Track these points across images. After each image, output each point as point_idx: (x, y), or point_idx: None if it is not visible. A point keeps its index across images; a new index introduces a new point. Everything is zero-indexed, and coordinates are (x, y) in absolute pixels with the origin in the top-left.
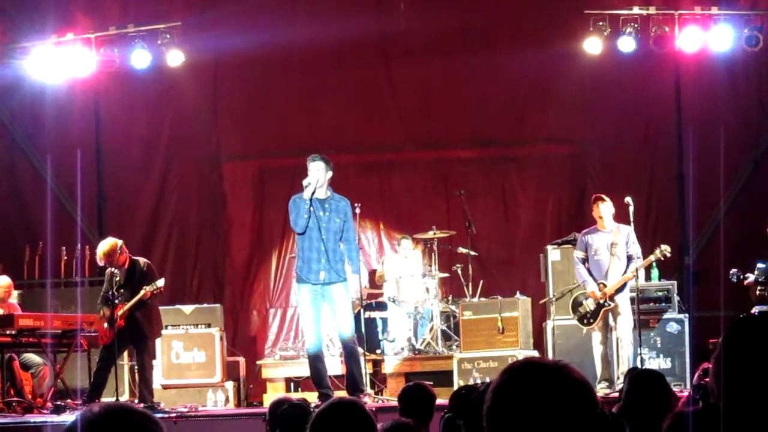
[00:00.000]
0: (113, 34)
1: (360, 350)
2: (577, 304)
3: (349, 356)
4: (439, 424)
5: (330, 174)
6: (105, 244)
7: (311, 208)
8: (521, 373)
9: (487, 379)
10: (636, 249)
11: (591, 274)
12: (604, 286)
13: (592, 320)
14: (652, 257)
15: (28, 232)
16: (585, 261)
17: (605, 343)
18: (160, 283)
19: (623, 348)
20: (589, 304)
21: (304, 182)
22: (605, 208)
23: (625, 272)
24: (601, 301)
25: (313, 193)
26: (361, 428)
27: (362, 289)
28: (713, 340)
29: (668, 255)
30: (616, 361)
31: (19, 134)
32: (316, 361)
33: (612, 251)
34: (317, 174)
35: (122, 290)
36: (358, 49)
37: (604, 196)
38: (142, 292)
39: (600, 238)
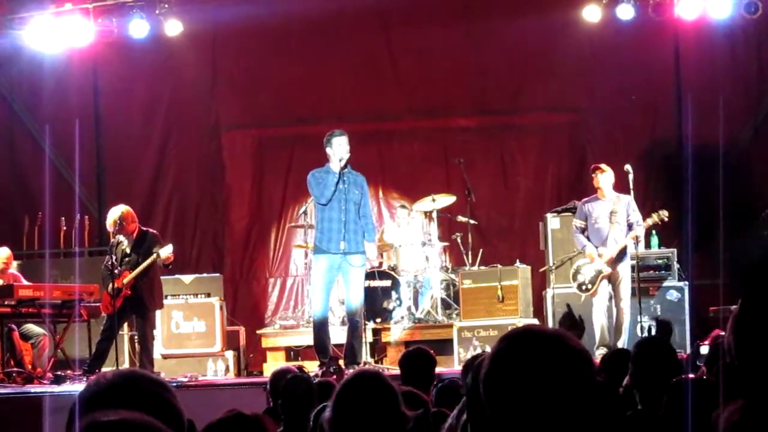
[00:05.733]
0: (111, 4)
1: (363, 322)
2: (576, 272)
3: (352, 328)
4: (432, 393)
5: (349, 147)
6: (115, 211)
7: (336, 182)
8: (519, 340)
9: (488, 348)
10: (637, 216)
11: (590, 241)
12: (602, 254)
13: (590, 287)
14: (649, 221)
15: (28, 203)
16: (584, 230)
17: (605, 310)
18: (166, 251)
19: (623, 316)
20: (588, 271)
21: (337, 157)
22: (604, 178)
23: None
24: (599, 267)
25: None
26: (385, 397)
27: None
28: (713, 308)
29: (666, 219)
30: (618, 330)
31: (18, 105)
32: (321, 329)
33: (612, 219)
34: (345, 147)
35: (128, 258)
36: (357, 18)
37: (603, 166)
38: (153, 256)
39: (600, 206)
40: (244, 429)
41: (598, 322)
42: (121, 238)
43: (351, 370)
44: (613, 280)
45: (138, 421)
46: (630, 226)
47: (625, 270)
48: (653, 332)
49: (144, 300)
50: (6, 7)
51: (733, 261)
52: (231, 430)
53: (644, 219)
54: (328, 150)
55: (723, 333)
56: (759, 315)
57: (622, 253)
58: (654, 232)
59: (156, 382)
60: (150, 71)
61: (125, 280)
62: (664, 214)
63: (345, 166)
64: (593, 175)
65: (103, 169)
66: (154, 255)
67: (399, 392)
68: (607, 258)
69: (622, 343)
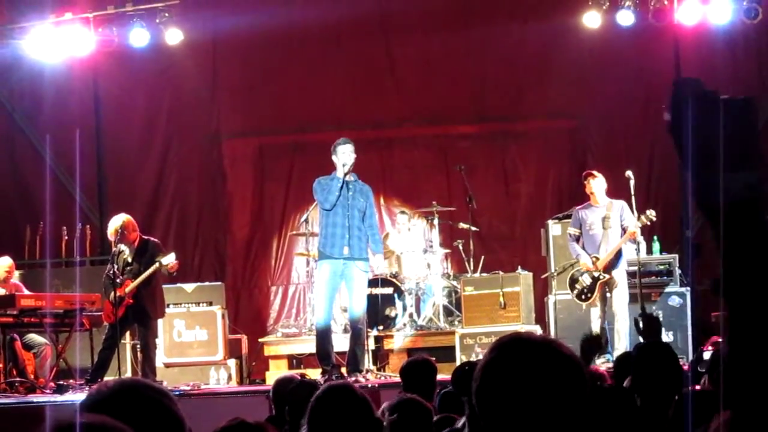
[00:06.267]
0: (111, 13)
1: (366, 330)
2: (573, 281)
3: (355, 336)
4: (435, 400)
5: (354, 156)
6: (116, 220)
7: (341, 187)
8: (509, 349)
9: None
10: (631, 222)
11: (585, 249)
12: (597, 259)
13: (589, 295)
14: (639, 223)
15: (29, 213)
16: (578, 239)
17: (603, 318)
18: (169, 259)
19: (619, 322)
20: (585, 279)
21: (341, 163)
22: (596, 184)
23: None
24: (596, 274)
25: (346, 173)
26: (358, 409)
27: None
28: (715, 313)
29: (654, 219)
30: (613, 337)
31: (19, 114)
32: (323, 337)
33: (605, 225)
34: (350, 156)
35: (129, 267)
36: (358, 25)
37: (594, 172)
38: (155, 265)
39: (594, 213)
40: None
41: (597, 329)
42: (122, 247)
43: (353, 378)
44: (609, 286)
45: (100, 423)
46: (624, 231)
47: (620, 276)
48: (640, 326)
49: (146, 308)
50: (6, 16)
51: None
52: None
53: (641, 228)
54: (333, 158)
55: (719, 339)
56: (750, 322)
57: (617, 259)
58: (655, 237)
59: (157, 391)
60: (150, 80)
61: (127, 289)
62: (652, 214)
63: (349, 172)
64: (585, 182)
65: (104, 178)
66: (156, 264)
67: (370, 401)
68: (602, 264)
69: (622, 348)
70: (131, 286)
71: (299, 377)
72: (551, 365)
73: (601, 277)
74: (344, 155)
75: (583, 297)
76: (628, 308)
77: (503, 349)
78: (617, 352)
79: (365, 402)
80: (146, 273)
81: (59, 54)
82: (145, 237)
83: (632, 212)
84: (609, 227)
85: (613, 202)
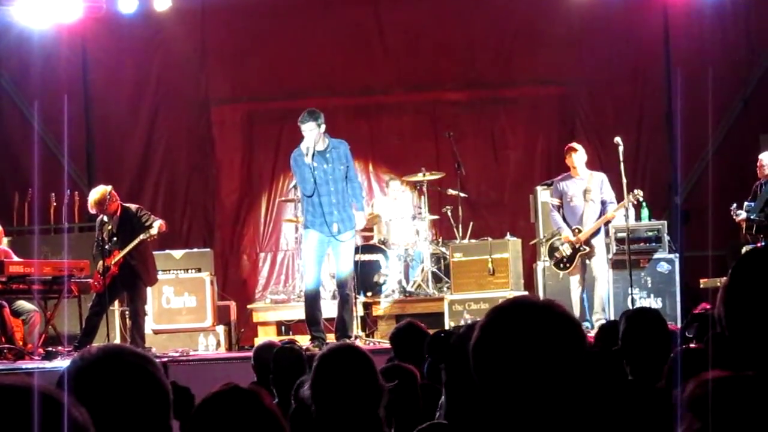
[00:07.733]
0: None
1: (354, 296)
2: (553, 250)
3: (343, 301)
4: (423, 370)
5: (323, 127)
6: (95, 192)
7: (314, 170)
8: (509, 310)
9: (470, 321)
10: (609, 194)
11: (566, 220)
12: (579, 231)
13: (568, 264)
14: (624, 201)
15: (17, 179)
16: (560, 208)
17: (582, 286)
18: (154, 231)
19: (599, 289)
20: (565, 249)
21: (305, 146)
22: (578, 158)
23: (599, 217)
24: (577, 246)
25: (314, 154)
26: (363, 370)
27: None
28: (704, 279)
29: (640, 199)
30: (592, 303)
31: (6, 80)
32: (312, 302)
33: (586, 197)
34: (310, 135)
35: (115, 238)
36: None
37: (575, 146)
38: (136, 240)
39: (575, 184)
40: (241, 402)
41: (576, 298)
42: (105, 218)
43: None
44: (588, 254)
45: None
46: (603, 204)
47: (599, 246)
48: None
49: (139, 275)
50: None
51: None
52: (228, 403)
53: (624, 196)
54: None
55: (708, 306)
56: (749, 284)
57: (596, 230)
58: (644, 204)
59: (141, 357)
60: (139, 46)
61: (114, 260)
62: (639, 194)
63: (314, 153)
64: (567, 156)
65: (92, 145)
66: (140, 237)
67: (373, 362)
68: (584, 237)
69: (599, 314)
70: (118, 257)
71: (279, 343)
72: (550, 327)
73: (581, 248)
74: (305, 135)
75: (561, 266)
76: (607, 275)
77: (503, 310)
78: (596, 316)
79: (371, 364)
80: (130, 245)
81: (48, 20)
82: (125, 204)
83: (622, 179)
84: (590, 200)
85: (593, 174)
